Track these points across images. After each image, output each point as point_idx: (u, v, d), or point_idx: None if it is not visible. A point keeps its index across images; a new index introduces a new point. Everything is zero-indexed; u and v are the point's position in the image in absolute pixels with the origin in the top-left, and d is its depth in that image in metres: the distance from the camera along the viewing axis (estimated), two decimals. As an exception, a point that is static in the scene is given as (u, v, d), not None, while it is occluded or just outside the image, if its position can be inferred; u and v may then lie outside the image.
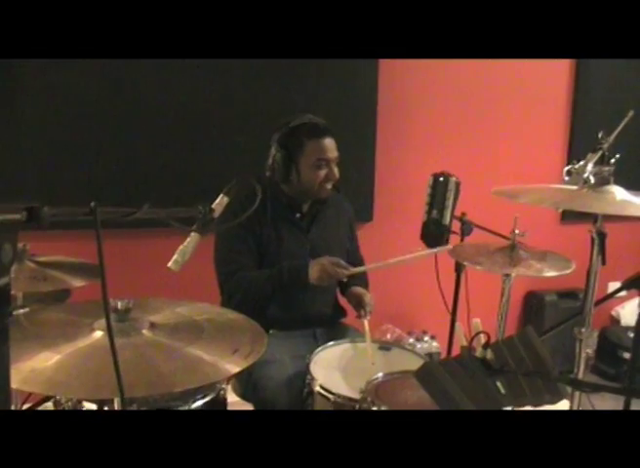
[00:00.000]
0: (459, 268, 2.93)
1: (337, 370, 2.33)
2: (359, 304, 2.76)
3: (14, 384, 1.41)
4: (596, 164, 2.16)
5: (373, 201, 3.93)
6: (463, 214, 2.94)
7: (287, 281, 2.58)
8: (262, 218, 2.65)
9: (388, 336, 3.81)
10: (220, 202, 1.57)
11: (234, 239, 2.65)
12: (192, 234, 1.56)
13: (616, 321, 4.73)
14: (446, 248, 2.65)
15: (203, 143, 3.49)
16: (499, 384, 1.72)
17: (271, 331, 2.59)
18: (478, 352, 1.80)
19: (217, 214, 1.55)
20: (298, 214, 2.78)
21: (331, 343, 2.51)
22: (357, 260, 2.97)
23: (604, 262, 2.08)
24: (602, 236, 2.05)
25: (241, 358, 1.55)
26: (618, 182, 2.11)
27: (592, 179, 2.03)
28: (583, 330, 2.16)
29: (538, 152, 4.22)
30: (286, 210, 2.75)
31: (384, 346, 2.54)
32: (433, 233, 2.84)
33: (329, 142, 2.65)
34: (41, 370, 1.45)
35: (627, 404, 2.12)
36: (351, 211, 3.04)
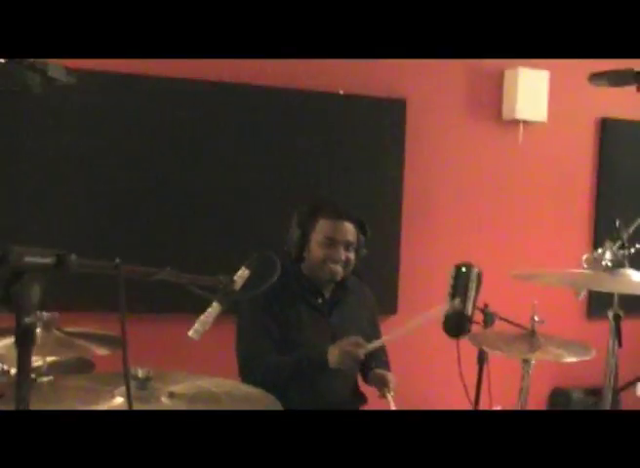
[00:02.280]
0: (481, 357, 2.92)
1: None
2: (382, 383, 2.75)
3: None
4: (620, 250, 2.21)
5: (397, 294, 3.97)
6: (486, 305, 2.95)
7: (306, 367, 2.59)
8: (285, 301, 2.69)
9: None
10: (242, 274, 1.62)
11: (257, 321, 2.69)
12: (213, 304, 1.61)
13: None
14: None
15: (225, 219, 3.61)
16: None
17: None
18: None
19: (238, 287, 1.60)
20: (319, 299, 2.81)
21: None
22: (381, 349, 2.97)
23: (620, 344, 2.09)
24: (618, 318, 2.07)
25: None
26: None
27: (609, 264, 2.07)
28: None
29: (561, 241, 4.26)
30: (307, 293, 2.78)
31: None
32: (455, 324, 2.84)
33: (341, 224, 2.71)
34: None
35: None
36: (372, 298, 3.07)
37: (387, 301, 3.89)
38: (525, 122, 4.14)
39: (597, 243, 4.07)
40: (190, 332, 1.64)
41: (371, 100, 3.79)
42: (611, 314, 2.11)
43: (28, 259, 0.92)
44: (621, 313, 2.10)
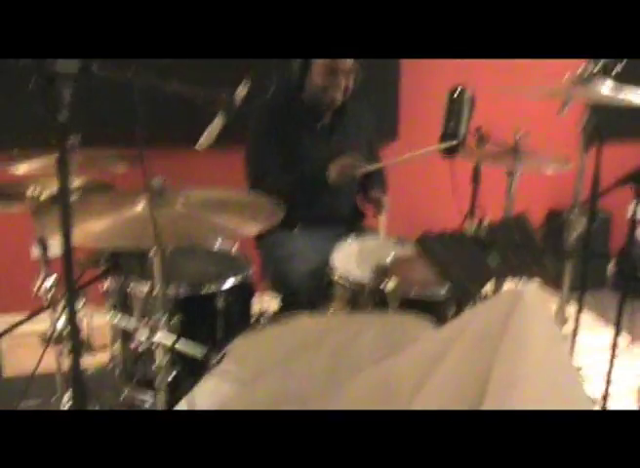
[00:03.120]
0: (476, 173, 3.07)
1: (354, 262, 2.55)
2: (377, 205, 2.98)
3: (77, 242, 1.70)
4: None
5: (398, 120, 4.09)
6: (479, 127, 3.09)
7: (309, 182, 2.83)
8: (288, 126, 2.87)
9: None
10: (241, 91, 1.79)
11: (263, 143, 2.90)
12: (217, 117, 1.78)
13: (637, 242, 4.87)
14: (451, 143, 2.74)
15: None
16: (491, 257, 1.93)
17: (297, 229, 2.85)
18: (472, 229, 2.02)
19: (238, 102, 1.77)
20: (319, 125, 2.98)
21: (350, 239, 2.74)
22: (379, 171, 3.17)
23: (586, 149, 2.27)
24: (588, 126, 2.24)
25: (257, 223, 1.82)
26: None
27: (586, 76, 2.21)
28: (572, 216, 2.38)
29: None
30: (308, 119, 2.95)
31: (400, 241, 2.76)
32: (449, 144, 2.99)
33: None
34: (95, 231, 1.74)
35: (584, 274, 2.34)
36: (373, 120, 3.22)
37: (388, 127, 4.02)
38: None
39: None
40: (197, 144, 1.83)
41: None
42: (582, 123, 2.28)
43: (59, 67, 1.11)
44: (593, 122, 2.26)
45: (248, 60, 1.89)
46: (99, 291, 2.53)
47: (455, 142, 2.83)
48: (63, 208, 1.20)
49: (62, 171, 1.15)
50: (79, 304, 2.37)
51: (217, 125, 1.80)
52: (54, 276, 2.42)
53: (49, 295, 2.42)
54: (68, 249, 1.22)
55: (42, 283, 2.43)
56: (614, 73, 2.36)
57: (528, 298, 1.40)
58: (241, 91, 1.77)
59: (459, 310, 2.22)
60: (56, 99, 1.11)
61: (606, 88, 2.21)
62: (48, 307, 2.36)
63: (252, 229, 1.80)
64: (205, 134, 1.81)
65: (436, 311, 2.22)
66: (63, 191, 1.18)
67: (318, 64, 2.81)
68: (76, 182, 2.36)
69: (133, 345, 2.07)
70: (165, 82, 1.41)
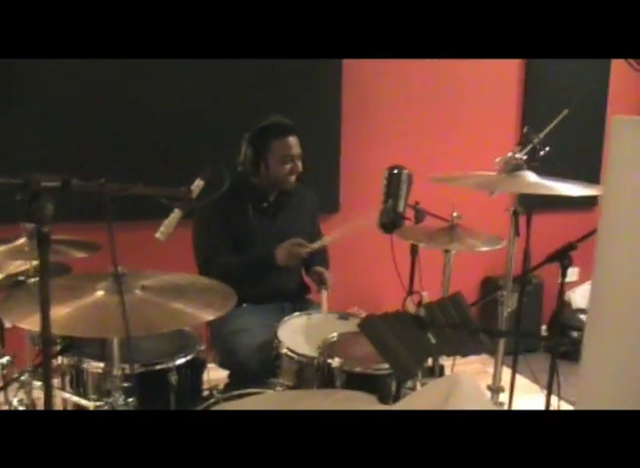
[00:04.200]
0: (413, 250, 3.24)
1: (300, 336, 2.68)
2: (319, 280, 3.14)
3: (37, 328, 1.79)
4: (527, 155, 2.56)
5: (338, 193, 4.28)
6: (417, 202, 3.24)
7: (257, 265, 2.96)
8: (236, 207, 3.02)
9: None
10: (197, 184, 1.93)
11: (211, 226, 3.04)
12: (175, 210, 1.92)
13: (567, 304, 5.10)
14: (390, 213, 2.85)
15: (183, 138, 3.84)
16: (430, 335, 2.07)
17: (244, 305, 2.97)
18: (413, 309, 2.17)
19: (194, 195, 1.91)
20: (265, 204, 3.14)
21: (296, 314, 2.87)
22: (322, 248, 3.32)
23: (518, 234, 2.48)
24: (516, 214, 2.44)
25: (215, 309, 1.93)
26: (550, 171, 2.49)
27: (510, 167, 2.42)
28: (505, 292, 2.56)
29: (490, 147, 4.52)
30: (254, 200, 3.11)
31: (343, 316, 2.90)
32: (389, 220, 3.15)
33: (293, 140, 3.03)
34: (56, 318, 1.81)
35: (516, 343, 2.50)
36: (315, 199, 3.42)
37: (330, 201, 4.20)
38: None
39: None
40: (157, 234, 1.96)
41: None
42: (511, 210, 2.49)
43: (44, 184, 1.23)
44: (520, 209, 2.47)
45: (203, 160, 2.08)
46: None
47: (392, 215, 2.99)
48: (42, 296, 1.30)
49: (43, 274, 1.27)
50: (34, 381, 2.44)
51: (175, 216, 1.93)
52: (6, 357, 2.50)
53: (3, 373, 2.49)
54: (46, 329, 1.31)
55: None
56: (538, 158, 2.59)
57: (464, 382, 1.54)
58: (196, 186, 1.91)
59: (399, 385, 2.35)
60: (40, 212, 1.23)
61: (529, 179, 2.41)
62: (5, 386, 2.42)
63: (209, 315, 1.91)
64: (164, 224, 1.94)
65: (379, 385, 2.36)
66: (43, 293, 1.28)
67: (275, 154, 3.02)
68: (32, 264, 2.44)
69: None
70: (131, 185, 1.53)
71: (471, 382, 1.55)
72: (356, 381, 2.34)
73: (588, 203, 4.97)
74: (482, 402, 1.59)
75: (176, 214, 1.92)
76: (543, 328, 5.00)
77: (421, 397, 1.63)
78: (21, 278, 2.42)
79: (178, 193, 1.86)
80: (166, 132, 3.82)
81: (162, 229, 1.94)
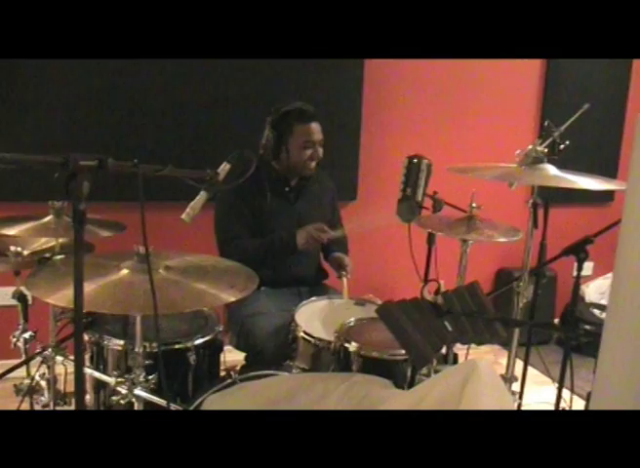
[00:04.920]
0: (430, 239, 3.26)
1: (317, 320, 2.72)
2: (339, 266, 3.18)
3: (63, 303, 1.84)
4: (547, 148, 2.58)
5: (357, 181, 4.31)
6: (435, 192, 3.25)
7: (278, 248, 3.00)
8: (256, 191, 3.05)
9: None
10: (224, 168, 1.96)
11: (231, 209, 3.07)
12: (201, 192, 1.95)
13: (581, 298, 5.12)
14: (412, 213, 2.91)
15: (209, 123, 3.90)
16: (446, 323, 2.10)
17: (262, 289, 3.01)
18: (430, 297, 2.19)
19: (221, 178, 1.94)
20: (286, 188, 3.18)
21: (313, 298, 2.91)
22: (342, 235, 3.36)
23: (536, 226, 2.50)
24: (535, 206, 2.47)
25: (236, 291, 1.97)
26: (569, 165, 2.51)
27: (531, 159, 2.44)
28: (521, 283, 2.59)
29: (510, 139, 4.54)
30: (276, 184, 3.14)
31: (359, 302, 2.94)
32: (407, 209, 3.16)
33: (315, 127, 3.06)
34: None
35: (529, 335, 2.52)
36: (334, 187, 3.45)
37: (348, 189, 4.24)
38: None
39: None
40: (183, 216, 1.99)
41: None
42: (530, 202, 2.52)
43: (82, 163, 1.27)
44: (539, 201, 2.50)
45: (231, 144, 2.12)
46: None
47: (410, 204, 3.00)
48: (76, 273, 1.33)
49: (78, 253, 1.30)
50: (56, 356, 2.49)
51: (200, 199, 1.96)
52: (30, 332, 2.55)
53: (26, 348, 2.55)
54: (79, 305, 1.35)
55: (20, 335, 2.55)
56: (557, 151, 2.61)
57: (482, 368, 1.57)
58: (223, 169, 1.94)
59: (414, 371, 2.39)
60: (77, 191, 1.26)
61: (549, 172, 2.43)
62: (29, 360, 2.47)
63: (231, 297, 1.95)
64: (190, 206, 1.97)
65: (395, 371, 2.39)
66: (78, 270, 1.32)
67: (296, 139, 3.04)
68: (58, 242, 2.49)
69: (114, 398, 2.19)
70: (161, 167, 1.57)
71: (488, 369, 1.58)
72: (372, 366, 2.37)
73: (605, 197, 5.00)
74: (498, 389, 1.62)
75: (202, 197, 1.96)
76: (556, 321, 5.02)
77: (439, 382, 1.67)
78: (47, 255, 2.47)
79: (204, 176, 1.89)
80: (192, 116, 3.87)
81: (188, 211, 1.97)
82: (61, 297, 1.86)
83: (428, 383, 1.78)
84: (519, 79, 4.67)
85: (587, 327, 4.68)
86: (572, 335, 2.39)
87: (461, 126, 4.53)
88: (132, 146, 3.69)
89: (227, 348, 2.85)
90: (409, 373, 2.37)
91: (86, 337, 2.53)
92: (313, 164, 3.11)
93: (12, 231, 2.34)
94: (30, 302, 2.60)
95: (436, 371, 2.50)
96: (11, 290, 2.59)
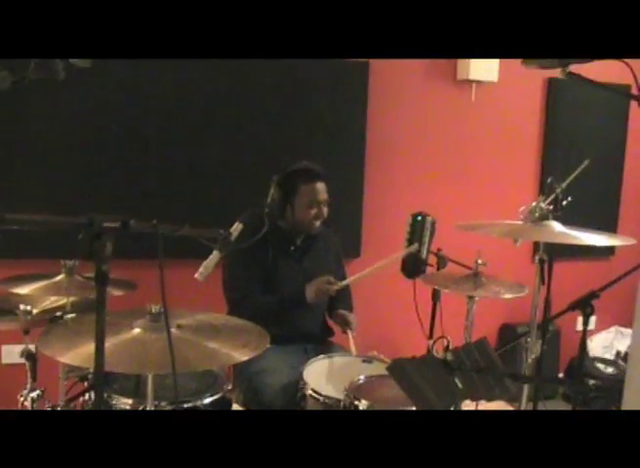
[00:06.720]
0: (435, 295, 3.29)
1: (325, 378, 2.72)
2: (344, 323, 3.19)
3: (77, 362, 1.84)
4: (549, 204, 2.62)
5: (360, 238, 4.34)
6: (439, 249, 3.29)
7: (288, 304, 3.03)
8: (264, 250, 3.08)
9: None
10: (236, 227, 2.00)
11: (242, 267, 3.10)
12: (214, 252, 1.98)
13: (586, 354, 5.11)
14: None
15: (214, 184, 3.95)
16: (457, 380, 2.11)
17: (269, 346, 3.00)
18: (440, 354, 2.21)
19: (233, 237, 1.97)
20: (292, 247, 3.21)
21: (321, 356, 2.90)
22: (346, 292, 3.39)
23: (543, 282, 2.52)
24: (542, 262, 2.50)
25: (249, 350, 1.98)
26: (570, 220, 2.55)
27: (536, 216, 2.48)
28: (529, 339, 2.60)
29: (510, 194, 4.58)
30: (283, 243, 3.18)
31: (367, 359, 2.94)
32: (412, 266, 3.19)
33: (320, 186, 3.11)
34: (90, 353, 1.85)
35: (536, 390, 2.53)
36: (338, 243, 3.50)
37: (352, 246, 4.26)
38: (477, 82, 4.47)
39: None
40: (196, 275, 2.02)
41: (337, 62, 3.99)
42: (537, 258, 2.55)
43: (106, 224, 1.30)
44: (545, 258, 2.53)
45: (243, 204, 2.16)
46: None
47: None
48: (98, 331, 1.35)
49: (100, 313, 1.32)
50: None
51: (214, 258, 1.99)
52: (38, 390, 2.55)
53: (33, 407, 2.54)
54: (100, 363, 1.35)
55: (28, 394, 2.54)
56: (560, 207, 2.65)
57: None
58: (234, 230, 1.97)
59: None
60: (101, 251, 1.29)
61: (555, 228, 2.46)
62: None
63: (244, 355, 1.96)
64: (204, 265, 2.00)
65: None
66: (100, 329, 1.33)
67: (302, 199, 3.09)
68: (69, 301, 2.50)
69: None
70: (180, 227, 1.60)
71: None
72: (383, 424, 2.37)
73: (606, 251, 5.03)
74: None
75: (215, 256, 1.99)
76: (560, 375, 5.00)
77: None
78: (58, 313, 2.48)
79: (217, 235, 1.92)
80: (197, 176, 3.92)
81: (201, 270, 2.01)
82: (75, 356, 1.87)
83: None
84: (520, 136, 4.74)
85: (592, 381, 4.67)
86: (582, 390, 2.39)
87: (463, 183, 4.58)
88: (132, 205, 3.66)
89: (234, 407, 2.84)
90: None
91: (93, 396, 2.52)
92: (318, 223, 3.15)
93: (23, 290, 2.36)
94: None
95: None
96: (19, 348, 2.59)
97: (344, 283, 3.09)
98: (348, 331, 3.14)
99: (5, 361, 3.71)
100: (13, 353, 3.50)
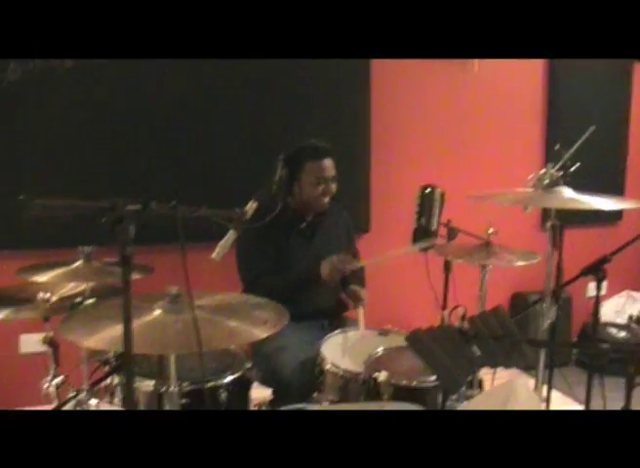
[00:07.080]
0: (447, 266, 3.29)
1: (342, 352, 2.75)
2: (356, 298, 3.22)
3: (101, 346, 1.86)
4: (557, 171, 2.62)
5: (369, 214, 4.36)
6: (449, 220, 3.28)
7: (303, 282, 3.05)
8: (275, 228, 3.08)
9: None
10: (251, 206, 2.01)
11: (255, 247, 3.11)
12: (230, 231, 2.00)
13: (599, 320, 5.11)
14: (431, 241, 2.96)
15: (220, 162, 3.95)
16: (474, 348, 2.13)
17: (285, 323, 3.03)
18: (457, 323, 2.23)
19: (248, 216, 1.99)
20: (302, 225, 3.23)
21: (337, 331, 2.94)
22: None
23: (556, 248, 2.54)
24: (554, 228, 2.51)
25: (269, 326, 2.00)
26: (578, 186, 2.56)
27: (547, 183, 2.49)
28: (544, 305, 2.62)
29: (516, 164, 4.61)
30: (292, 221, 3.20)
31: (383, 332, 2.96)
32: (422, 239, 3.20)
33: (327, 163, 3.11)
34: (116, 336, 1.87)
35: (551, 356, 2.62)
36: (348, 218, 3.52)
37: (361, 221, 4.28)
38: (480, 57, 4.45)
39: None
40: (213, 255, 2.04)
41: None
42: (549, 224, 2.56)
43: (128, 207, 1.32)
44: (557, 224, 2.54)
45: (257, 183, 2.17)
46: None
47: (430, 242, 3.03)
48: (124, 314, 1.37)
49: (126, 293, 1.34)
50: (90, 399, 2.51)
51: (230, 237, 2.00)
52: (61, 377, 2.57)
53: (57, 393, 2.57)
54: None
55: (52, 381, 2.57)
56: (569, 174, 2.65)
57: (520, 389, 1.60)
58: (249, 209, 1.99)
59: (445, 397, 2.41)
60: (124, 235, 1.31)
61: (566, 194, 2.47)
62: (63, 404, 2.49)
63: (264, 333, 1.98)
64: (220, 245, 2.02)
65: (426, 397, 2.42)
66: (126, 311, 1.35)
67: (308, 176, 3.10)
68: (88, 286, 2.53)
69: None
70: (198, 208, 1.62)
71: (527, 389, 1.61)
72: (403, 394, 2.40)
73: (614, 217, 5.04)
74: (538, 408, 1.65)
75: (231, 235, 2.01)
76: (573, 341, 5.03)
77: (480, 404, 1.69)
78: (78, 300, 2.50)
79: (232, 214, 1.94)
80: (204, 155, 3.93)
81: (218, 250, 2.02)
82: (98, 340, 1.89)
83: (469, 406, 1.80)
84: (524, 105, 4.74)
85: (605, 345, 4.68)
86: (600, 353, 2.40)
87: (469, 154, 4.59)
88: (139, 185, 3.74)
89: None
90: (440, 399, 2.40)
91: (116, 380, 2.55)
92: (326, 200, 3.16)
93: (43, 278, 2.38)
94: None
95: (466, 397, 2.53)
96: (37, 336, 2.61)
97: (357, 265, 3.11)
98: (360, 307, 3.15)
99: (23, 350, 3.73)
100: (30, 342, 3.54)
